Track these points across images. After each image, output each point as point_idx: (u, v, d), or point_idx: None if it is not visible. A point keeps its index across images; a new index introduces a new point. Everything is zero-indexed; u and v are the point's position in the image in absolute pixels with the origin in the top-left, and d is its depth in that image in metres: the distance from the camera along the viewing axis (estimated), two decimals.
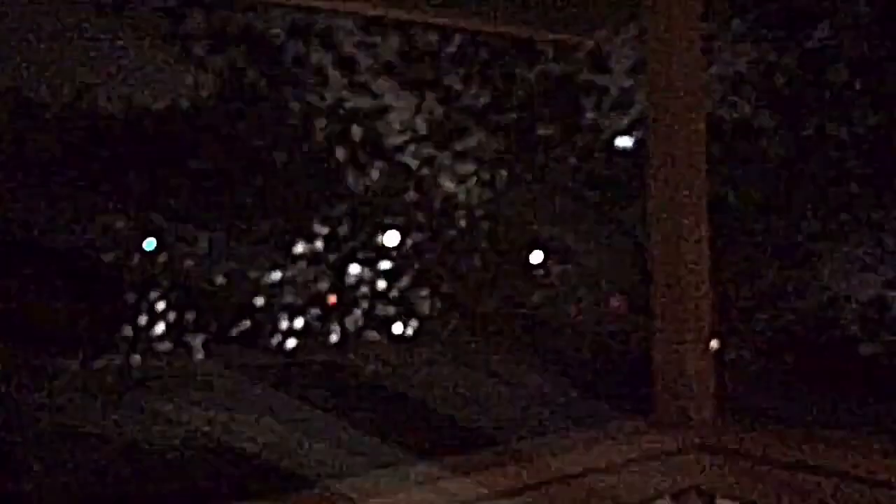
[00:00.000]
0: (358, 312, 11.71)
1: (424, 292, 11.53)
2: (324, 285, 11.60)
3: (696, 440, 1.57)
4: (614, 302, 10.73)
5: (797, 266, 9.51)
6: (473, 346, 11.08)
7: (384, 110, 11.38)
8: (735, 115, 9.22)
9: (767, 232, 9.31)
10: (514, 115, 11.02)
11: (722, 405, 7.61)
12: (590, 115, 10.95)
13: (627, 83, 10.81)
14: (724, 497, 1.55)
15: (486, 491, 1.29)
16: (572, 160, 10.71)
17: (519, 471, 1.33)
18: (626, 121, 10.82)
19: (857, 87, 8.71)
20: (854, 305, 9.54)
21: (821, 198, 9.19)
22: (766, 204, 9.30)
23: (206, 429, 7.61)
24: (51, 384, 9.61)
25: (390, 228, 11.60)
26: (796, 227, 9.33)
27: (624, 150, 10.61)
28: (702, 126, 1.68)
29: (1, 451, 6.86)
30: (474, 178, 11.52)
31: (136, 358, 10.57)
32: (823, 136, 8.92)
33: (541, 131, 11.02)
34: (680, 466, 1.56)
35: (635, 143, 10.54)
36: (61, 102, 10.27)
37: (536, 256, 11.65)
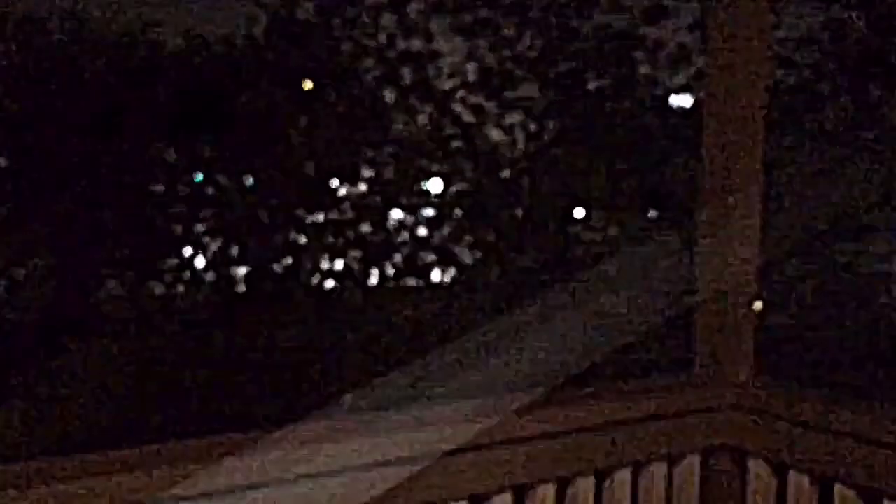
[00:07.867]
0: (398, 257, 11.81)
1: (465, 240, 11.56)
2: (365, 228, 11.70)
3: (732, 400, 1.58)
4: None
5: (848, 237, 9.30)
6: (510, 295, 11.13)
7: (435, 54, 11.27)
8: (797, 78, 8.93)
9: (821, 200, 9.10)
10: (566, 67, 10.83)
11: (760, 367, 7.57)
12: (644, 70, 10.70)
13: (686, 39, 10.52)
14: (754, 457, 1.57)
15: (522, 433, 1.32)
16: (623, 116, 10.54)
17: (553, 415, 1.36)
18: (681, 79, 10.56)
19: None
20: None
21: (879, 169, 8.93)
22: (822, 172, 9.07)
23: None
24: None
25: (435, 175, 11.59)
26: (851, 197, 9.10)
27: (679, 109, 10.38)
28: (763, 88, 1.65)
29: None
30: (521, 129, 11.40)
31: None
32: (887, 105, 8.62)
33: (592, 85, 10.83)
34: (713, 424, 1.57)
35: (693, 102, 10.30)
36: (117, 31, 10.37)
37: (579, 212, 11.55)
